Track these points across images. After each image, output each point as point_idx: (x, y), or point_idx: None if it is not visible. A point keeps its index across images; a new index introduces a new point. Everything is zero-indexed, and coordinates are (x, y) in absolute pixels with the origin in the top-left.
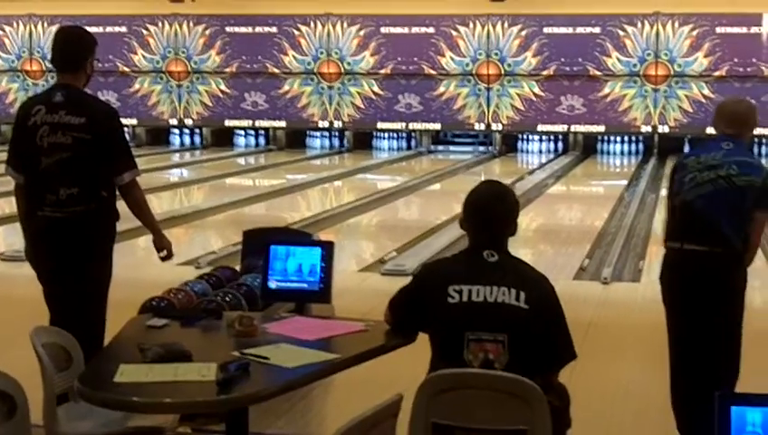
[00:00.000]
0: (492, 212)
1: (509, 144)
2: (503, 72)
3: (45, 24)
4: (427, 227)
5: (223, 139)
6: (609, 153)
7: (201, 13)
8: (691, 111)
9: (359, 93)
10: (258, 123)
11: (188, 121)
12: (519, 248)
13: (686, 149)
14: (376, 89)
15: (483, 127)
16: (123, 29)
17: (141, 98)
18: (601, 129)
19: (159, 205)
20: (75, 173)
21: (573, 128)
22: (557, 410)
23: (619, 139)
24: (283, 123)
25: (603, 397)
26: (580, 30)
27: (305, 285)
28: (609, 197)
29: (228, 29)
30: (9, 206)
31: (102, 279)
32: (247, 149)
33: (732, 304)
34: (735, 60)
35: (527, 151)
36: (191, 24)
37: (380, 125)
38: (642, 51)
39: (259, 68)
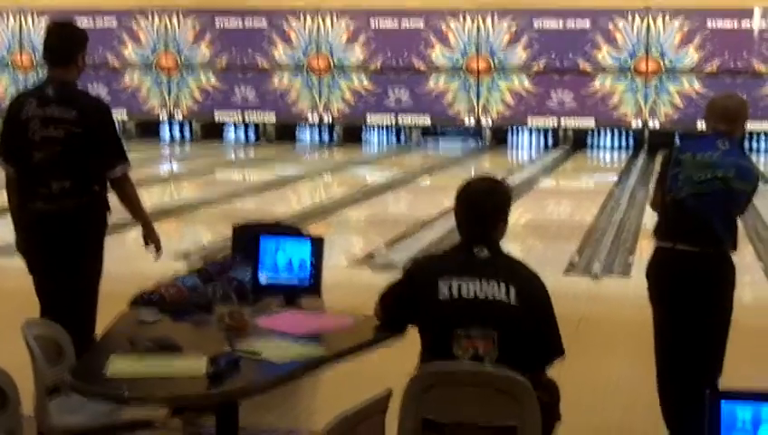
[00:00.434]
0: (482, 208)
1: (499, 138)
2: (492, 66)
3: (35, 17)
4: (416, 221)
5: (213, 132)
6: (599, 148)
7: (191, 6)
8: (682, 106)
9: (348, 87)
10: (248, 117)
11: (178, 115)
12: (509, 243)
13: (679, 143)
14: (365, 83)
15: (473, 121)
16: (113, 22)
17: (132, 91)
18: (591, 123)
19: (150, 198)
20: (67, 167)
21: (563, 122)
22: (546, 405)
23: (609, 133)
24: (272, 117)
25: (593, 392)
26: (570, 24)
27: (295, 280)
28: (600, 191)
29: (218, 23)
30: (0, 198)
31: (94, 274)
32: (237, 142)
33: (721, 303)
34: (726, 55)
35: (517, 146)
36: (181, 18)
37: (370, 119)
38: (633, 45)
39: (249, 62)
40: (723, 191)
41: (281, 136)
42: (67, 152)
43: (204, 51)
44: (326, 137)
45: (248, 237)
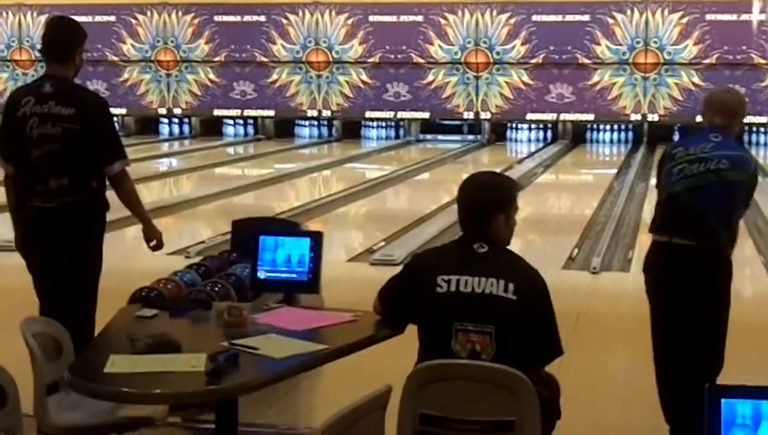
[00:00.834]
0: (477, 202)
1: (498, 133)
2: (491, 60)
3: (35, 14)
4: (416, 216)
5: (211, 128)
6: (598, 142)
7: (190, 2)
8: (681, 99)
9: (347, 82)
10: (247, 112)
11: (177, 111)
12: None
13: (676, 137)
14: (364, 78)
15: (471, 116)
16: (112, 18)
17: (130, 87)
18: (591, 117)
19: (149, 194)
20: (65, 164)
21: (562, 116)
22: (546, 400)
23: (608, 127)
24: (271, 112)
25: (592, 386)
26: (569, 18)
27: (294, 276)
28: (599, 186)
29: (217, 18)
30: None
31: (93, 271)
32: (236, 138)
33: (718, 297)
34: (725, 47)
35: (516, 140)
36: (180, 14)
37: (369, 114)
38: (631, 39)
39: (248, 57)
40: (717, 184)
41: (279, 131)
42: (65, 149)
43: (203, 46)
44: (325, 132)
45: (247, 233)
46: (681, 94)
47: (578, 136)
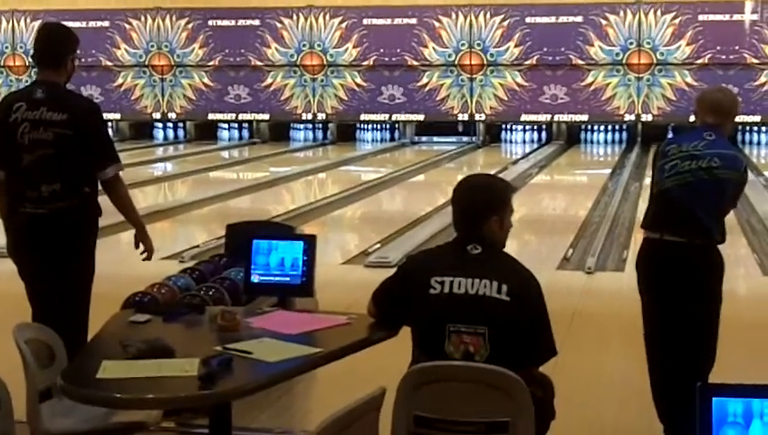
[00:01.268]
0: (470, 204)
1: (492, 134)
2: (485, 62)
3: (28, 20)
4: (411, 218)
5: (206, 132)
6: (592, 142)
7: (184, 6)
8: (674, 99)
9: (342, 85)
10: (241, 116)
11: (172, 115)
12: None
13: (670, 136)
14: (359, 80)
15: (466, 117)
16: (106, 23)
17: (124, 92)
18: (585, 118)
19: (143, 199)
20: (57, 169)
21: (557, 117)
22: (540, 400)
23: (602, 128)
24: (266, 116)
25: (587, 386)
26: (562, 19)
27: (288, 279)
28: (593, 186)
29: (211, 22)
30: None
31: (85, 276)
32: (231, 142)
33: (710, 294)
34: (718, 47)
35: (511, 141)
36: (174, 18)
37: (364, 117)
38: (625, 39)
39: (242, 61)
40: (708, 182)
41: (274, 135)
42: (57, 155)
43: (197, 51)
44: (320, 135)
45: (242, 237)
46: (674, 94)
47: (572, 137)
